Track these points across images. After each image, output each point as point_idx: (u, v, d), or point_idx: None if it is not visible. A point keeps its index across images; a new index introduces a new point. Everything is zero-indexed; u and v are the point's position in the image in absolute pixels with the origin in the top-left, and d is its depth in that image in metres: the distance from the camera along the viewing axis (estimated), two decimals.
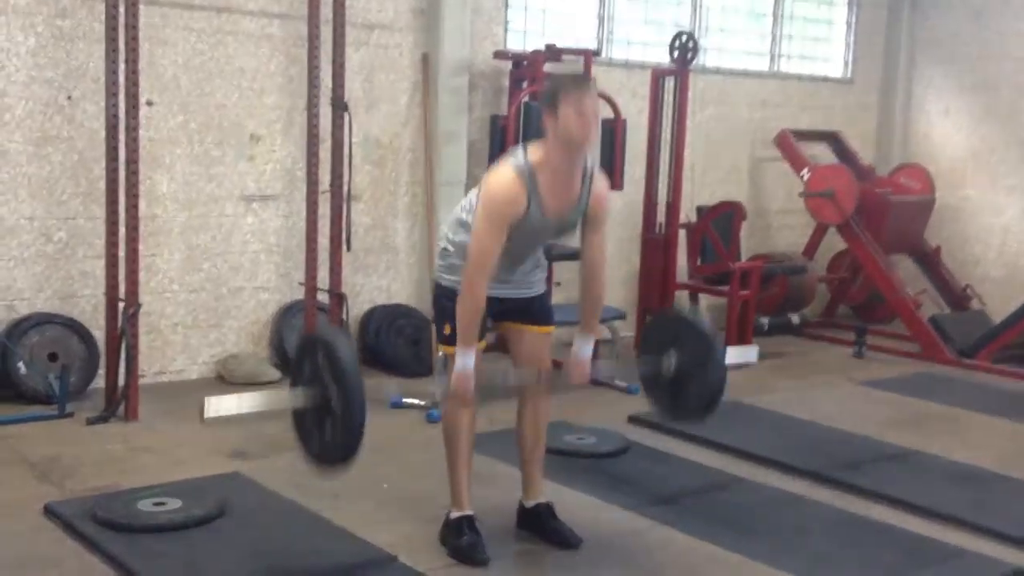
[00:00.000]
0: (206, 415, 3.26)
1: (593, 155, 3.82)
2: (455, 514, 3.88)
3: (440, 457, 4.93)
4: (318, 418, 3.47)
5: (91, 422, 5.18)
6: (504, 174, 3.62)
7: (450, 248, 3.82)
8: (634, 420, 5.67)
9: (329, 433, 3.44)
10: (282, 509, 4.22)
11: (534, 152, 3.65)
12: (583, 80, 3.73)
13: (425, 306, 6.65)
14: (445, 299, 3.80)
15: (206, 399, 3.23)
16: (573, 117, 3.52)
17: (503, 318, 3.92)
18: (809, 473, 4.93)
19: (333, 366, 3.39)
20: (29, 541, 3.82)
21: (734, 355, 4.12)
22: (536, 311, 3.95)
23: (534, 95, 6.72)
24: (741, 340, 7.21)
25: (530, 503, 4.04)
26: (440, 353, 3.99)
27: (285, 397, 3.62)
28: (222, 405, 3.54)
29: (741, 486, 4.77)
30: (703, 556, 3.98)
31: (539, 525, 4.02)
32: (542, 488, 4.06)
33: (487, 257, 3.59)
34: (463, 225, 3.77)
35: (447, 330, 3.78)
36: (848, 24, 9.33)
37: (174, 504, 4.05)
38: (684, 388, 3.98)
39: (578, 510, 4.23)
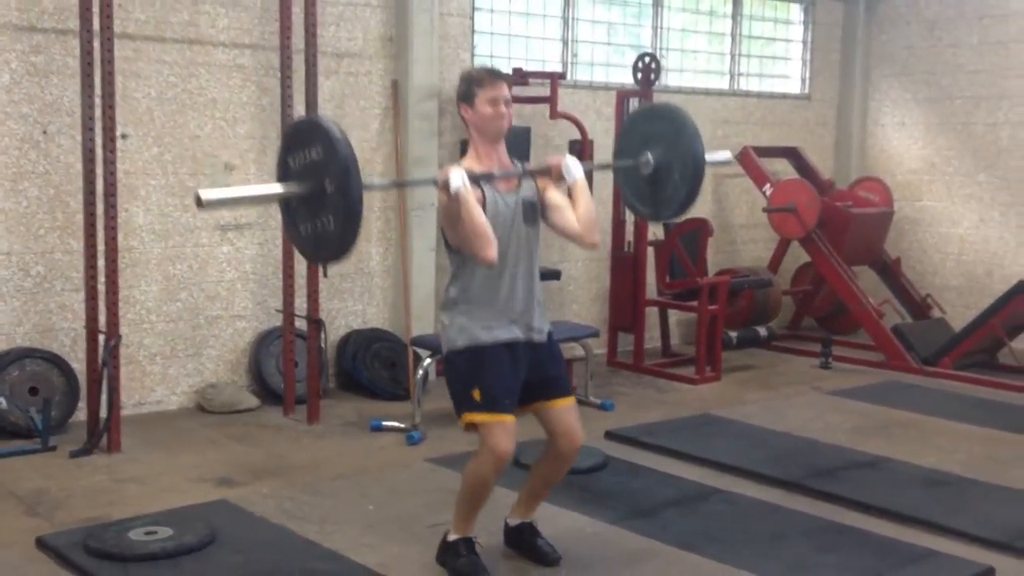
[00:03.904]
0: (204, 199, 3.30)
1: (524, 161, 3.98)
2: (453, 536, 3.92)
3: (424, 478, 5.07)
4: (311, 208, 3.44)
5: (74, 455, 5.22)
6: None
7: (447, 306, 3.86)
8: (611, 436, 5.78)
9: (325, 222, 3.39)
10: (271, 534, 4.28)
11: (464, 161, 3.88)
12: (495, 73, 3.86)
13: (399, 329, 6.78)
14: (460, 362, 3.79)
15: (199, 190, 3.33)
16: (489, 111, 3.75)
17: (529, 398, 3.87)
18: (784, 482, 5.06)
19: (328, 152, 3.35)
20: (23, 572, 3.86)
21: (709, 155, 4.24)
22: (556, 379, 3.92)
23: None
24: (711, 354, 7.37)
25: (514, 522, 4.13)
26: (465, 422, 3.82)
27: (278, 187, 3.56)
28: (217, 193, 3.55)
29: (718, 497, 4.89)
30: (685, 566, 4.08)
31: (521, 542, 4.10)
32: (532, 516, 4.15)
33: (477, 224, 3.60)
34: (451, 278, 3.86)
35: (476, 395, 3.71)
36: (804, 42, 9.56)
37: (165, 533, 4.11)
38: (666, 177, 4.09)
39: (560, 525, 4.33)
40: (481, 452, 3.74)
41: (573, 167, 3.86)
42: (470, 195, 3.61)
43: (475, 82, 3.79)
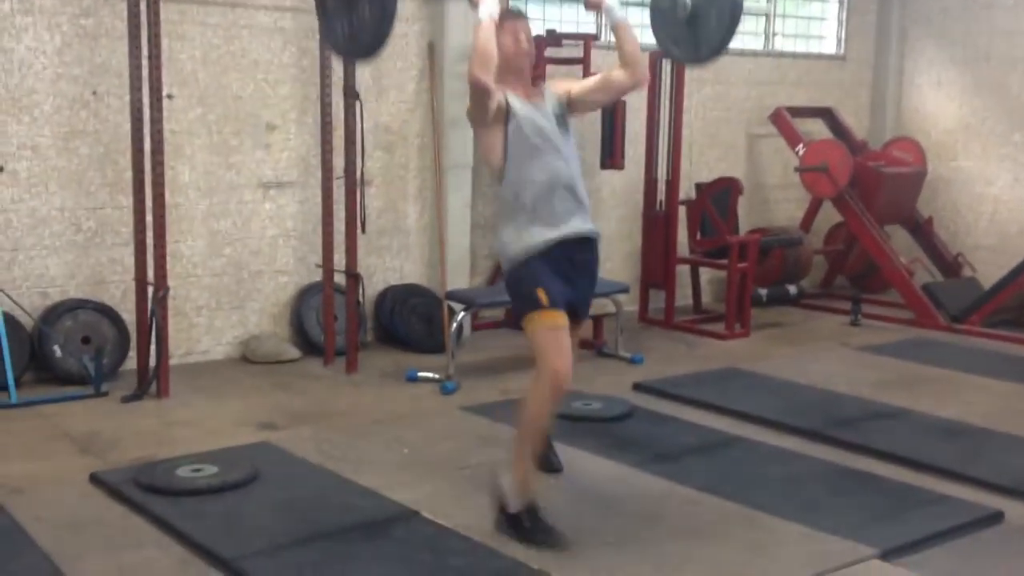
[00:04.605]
0: None
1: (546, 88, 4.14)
2: (518, 505, 3.85)
3: (457, 424, 5.28)
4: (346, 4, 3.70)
5: (125, 400, 5.49)
6: None
7: (498, 225, 4.03)
8: (638, 387, 5.96)
9: (360, 16, 3.68)
10: (310, 473, 4.53)
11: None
12: (517, 13, 4.05)
13: (435, 285, 6.98)
14: (521, 270, 3.87)
15: None
16: (510, 43, 3.92)
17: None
18: (804, 431, 5.21)
19: None
20: (79, 505, 4.13)
21: None
22: (587, 301, 4.10)
23: (534, 80, 6.98)
24: (740, 311, 7.50)
25: None
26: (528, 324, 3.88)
27: None
28: None
29: (739, 444, 5.06)
30: (702, 505, 4.26)
31: None
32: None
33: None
34: (499, 197, 4.02)
35: (542, 293, 3.78)
36: (840, 2, 9.56)
37: (210, 470, 4.36)
38: (703, 19, 4.21)
39: (583, 468, 4.53)
40: (538, 377, 3.78)
41: (614, 4, 4.02)
42: (492, 22, 3.76)
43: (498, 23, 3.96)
